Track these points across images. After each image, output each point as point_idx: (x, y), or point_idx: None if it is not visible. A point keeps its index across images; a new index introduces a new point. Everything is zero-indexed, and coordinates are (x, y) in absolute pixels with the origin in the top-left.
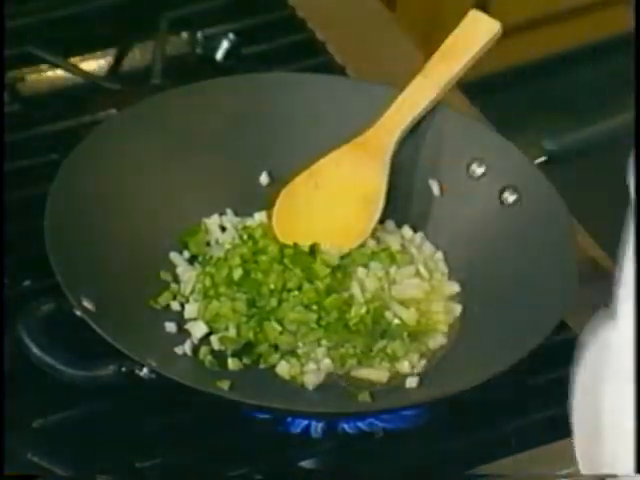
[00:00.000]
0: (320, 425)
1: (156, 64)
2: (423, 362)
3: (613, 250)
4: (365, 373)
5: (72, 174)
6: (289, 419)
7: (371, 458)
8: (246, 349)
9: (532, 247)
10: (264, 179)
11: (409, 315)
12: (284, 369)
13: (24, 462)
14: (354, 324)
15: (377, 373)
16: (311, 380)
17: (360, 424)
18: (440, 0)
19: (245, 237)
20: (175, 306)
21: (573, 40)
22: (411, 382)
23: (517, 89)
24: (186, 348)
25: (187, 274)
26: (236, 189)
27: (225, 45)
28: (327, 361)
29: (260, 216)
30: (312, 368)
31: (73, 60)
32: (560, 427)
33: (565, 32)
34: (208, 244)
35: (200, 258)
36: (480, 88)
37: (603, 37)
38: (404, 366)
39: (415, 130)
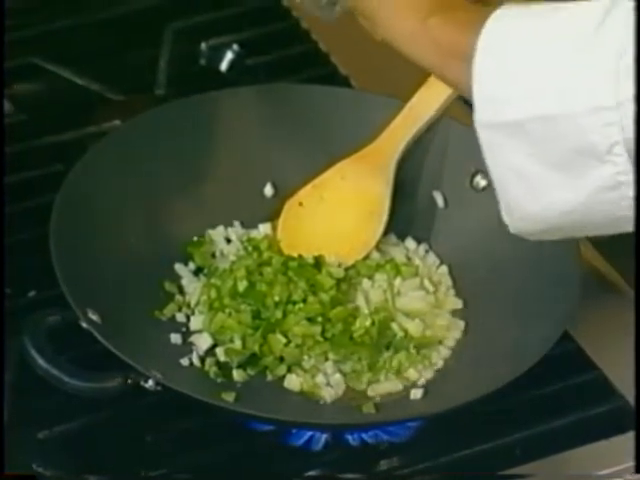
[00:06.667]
0: (324, 437)
1: (160, 75)
2: (428, 374)
3: (617, 261)
4: (380, 388)
5: (77, 185)
6: (293, 431)
7: (374, 470)
8: (252, 361)
9: (535, 258)
10: (268, 190)
11: (414, 327)
12: (294, 383)
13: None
14: (359, 336)
15: (390, 385)
16: (329, 394)
17: (364, 436)
18: None
19: (250, 249)
20: (180, 317)
21: None
22: (416, 394)
23: None
24: (191, 359)
25: (192, 286)
26: (240, 200)
27: (229, 56)
28: (337, 376)
29: (265, 227)
30: (322, 381)
31: (77, 71)
32: (565, 439)
33: None
34: (213, 256)
35: (205, 270)
36: None
37: None
38: (409, 378)
39: (419, 142)
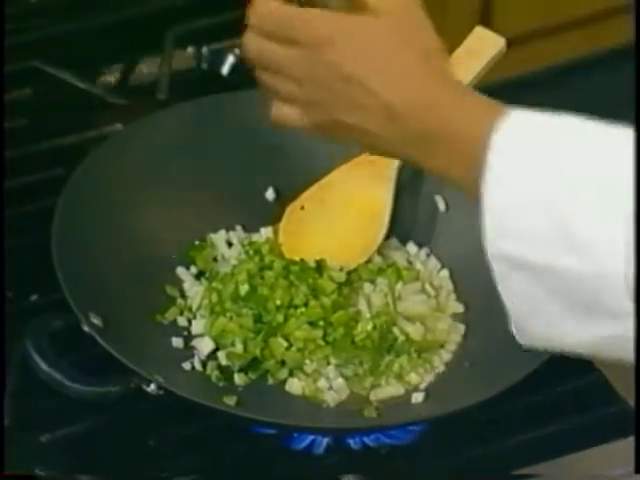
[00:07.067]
0: (325, 440)
1: (162, 79)
2: (429, 378)
3: None
4: (381, 392)
5: (79, 189)
6: (295, 434)
7: (376, 473)
8: (253, 365)
9: None
10: (270, 194)
11: (416, 330)
12: (296, 387)
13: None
14: (361, 340)
15: (392, 389)
16: (332, 398)
17: (366, 439)
18: (443, 14)
19: (252, 253)
20: (182, 321)
21: (575, 51)
22: (417, 397)
23: (519, 101)
24: (193, 363)
25: (194, 289)
26: (242, 204)
27: (231, 60)
28: (340, 380)
29: (266, 231)
30: (325, 386)
31: (79, 75)
32: (566, 442)
33: (568, 43)
34: (215, 259)
35: (207, 273)
36: None
37: (605, 48)
38: (411, 381)
39: None
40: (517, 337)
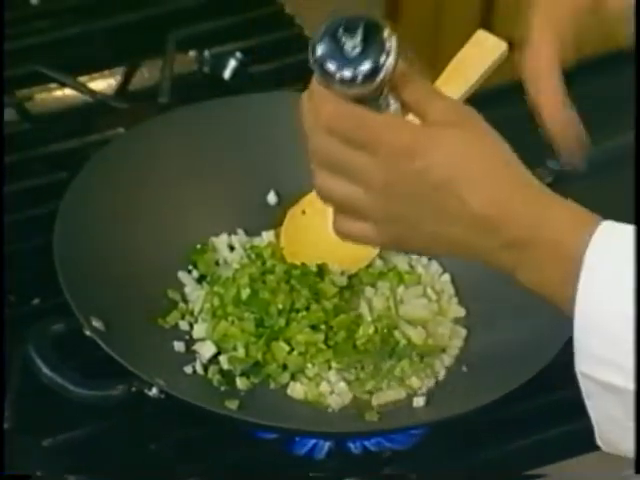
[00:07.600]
0: (327, 445)
1: (164, 83)
2: (430, 382)
3: None
4: (384, 396)
5: (81, 193)
6: (296, 439)
7: (377, 478)
8: (255, 369)
9: None
10: (272, 198)
11: (417, 334)
12: (298, 391)
13: None
14: (362, 344)
15: (393, 393)
16: (335, 402)
17: (367, 443)
18: (444, 18)
19: (253, 257)
20: (183, 325)
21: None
22: (418, 401)
23: (520, 103)
24: (195, 367)
25: (195, 293)
26: (244, 208)
27: (232, 64)
28: (342, 384)
29: (268, 235)
30: (327, 390)
31: (81, 79)
32: (565, 447)
33: None
34: (217, 263)
35: (208, 277)
36: (482, 104)
37: (606, 50)
38: (412, 385)
39: None
40: (600, 446)
